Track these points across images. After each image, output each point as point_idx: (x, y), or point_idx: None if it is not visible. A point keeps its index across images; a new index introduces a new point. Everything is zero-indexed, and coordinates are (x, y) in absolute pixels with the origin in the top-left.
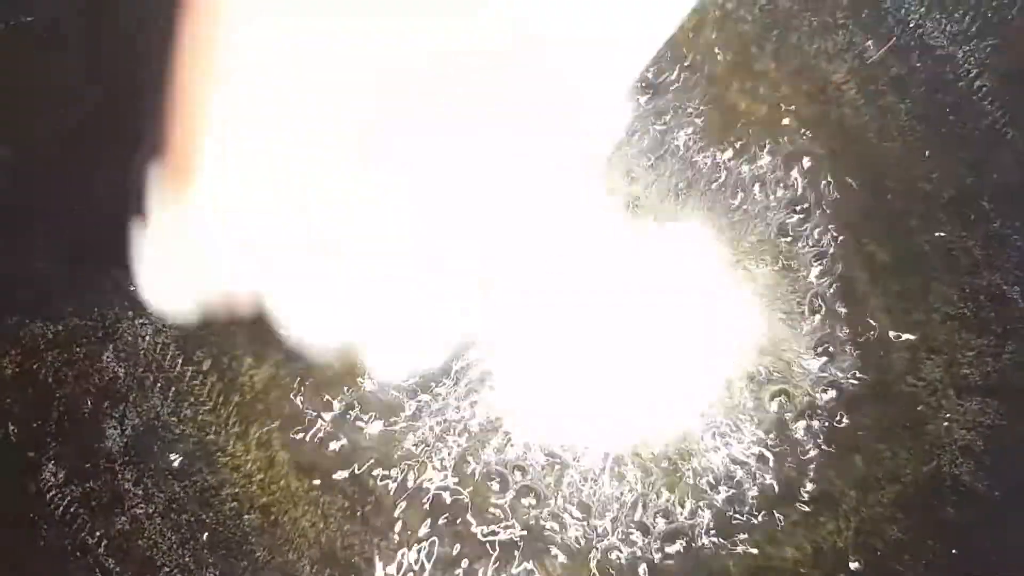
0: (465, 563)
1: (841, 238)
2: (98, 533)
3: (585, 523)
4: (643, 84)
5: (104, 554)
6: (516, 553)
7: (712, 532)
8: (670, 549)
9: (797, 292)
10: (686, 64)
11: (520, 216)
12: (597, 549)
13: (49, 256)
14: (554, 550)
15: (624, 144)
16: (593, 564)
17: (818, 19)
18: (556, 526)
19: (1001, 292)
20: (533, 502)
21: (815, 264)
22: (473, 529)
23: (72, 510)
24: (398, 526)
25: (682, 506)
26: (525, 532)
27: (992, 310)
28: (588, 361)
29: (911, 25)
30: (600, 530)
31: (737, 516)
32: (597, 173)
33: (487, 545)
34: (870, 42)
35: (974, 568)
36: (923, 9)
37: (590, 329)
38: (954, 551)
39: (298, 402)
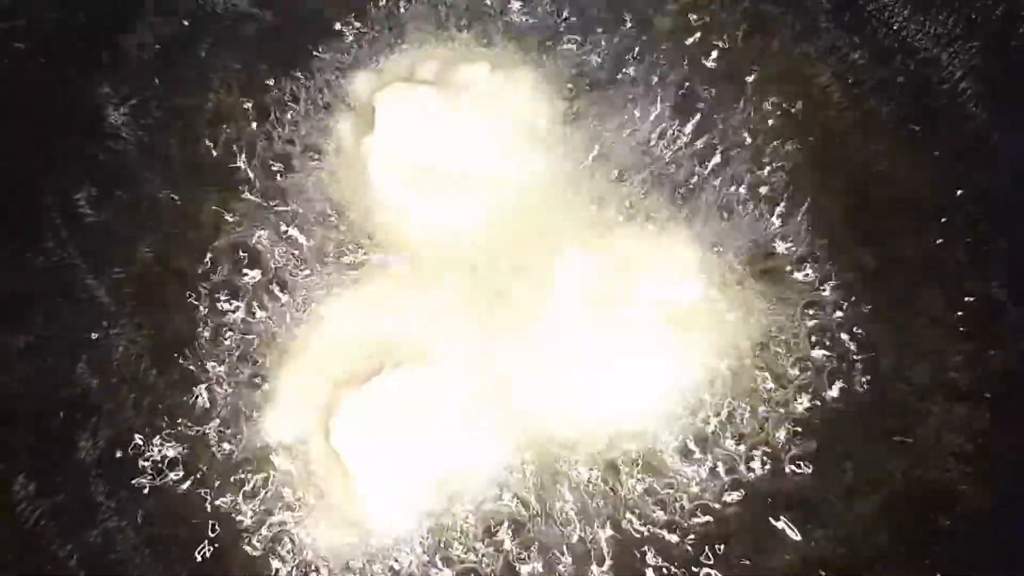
0: None
1: (826, 243)
2: (69, 546)
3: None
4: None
5: (75, 567)
6: None
7: (699, 542)
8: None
9: (782, 298)
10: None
11: None
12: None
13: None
14: None
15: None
16: None
17: (801, 23)
18: None
19: (988, 296)
20: None
21: (800, 269)
22: None
23: (42, 523)
24: None
25: (669, 516)
26: None
27: (979, 314)
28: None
29: (895, 28)
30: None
31: (724, 527)
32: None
33: None
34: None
35: (967, 570)
36: (907, 11)
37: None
38: (944, 558)
39: None
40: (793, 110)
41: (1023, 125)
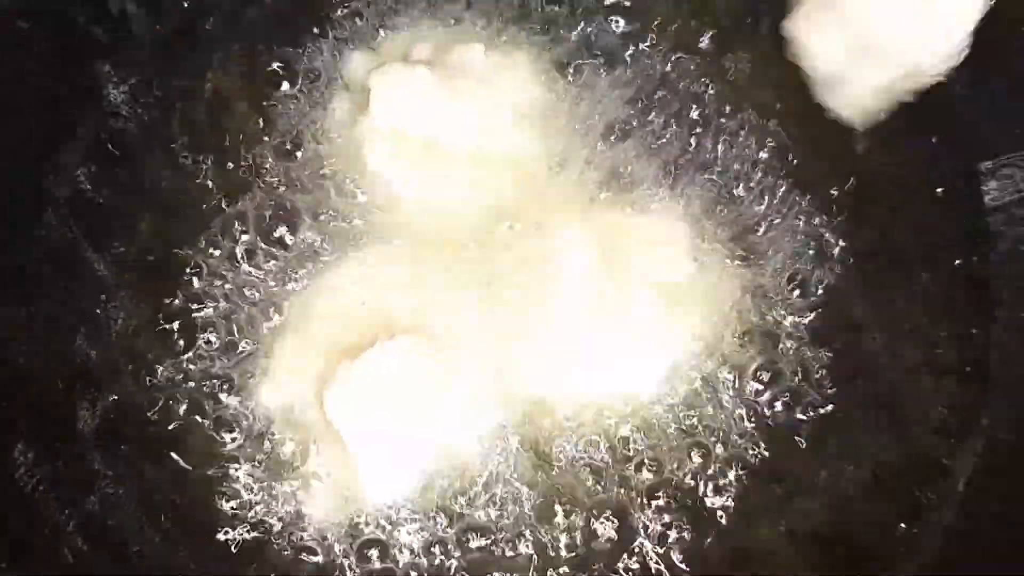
0: None
1: (816, 223)
2: (67, 512)
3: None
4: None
5: (73, 533)
6: None
7: (687, 517)
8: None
9: (773, 276)
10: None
11: None
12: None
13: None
14: None
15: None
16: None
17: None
18: None
19: (977, 277)
20: None
21: (790, 249)
22: None
23: (42, 490)
24: None
25: (660, 486)
26: None
27: (968, 294)
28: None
29: None
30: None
31: (712, 497)
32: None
33: None
34: None
35: (948, 546)
36: None
37: None
38: (929, 531)
39: None
40: (782, 96)
41: (1010, 113)
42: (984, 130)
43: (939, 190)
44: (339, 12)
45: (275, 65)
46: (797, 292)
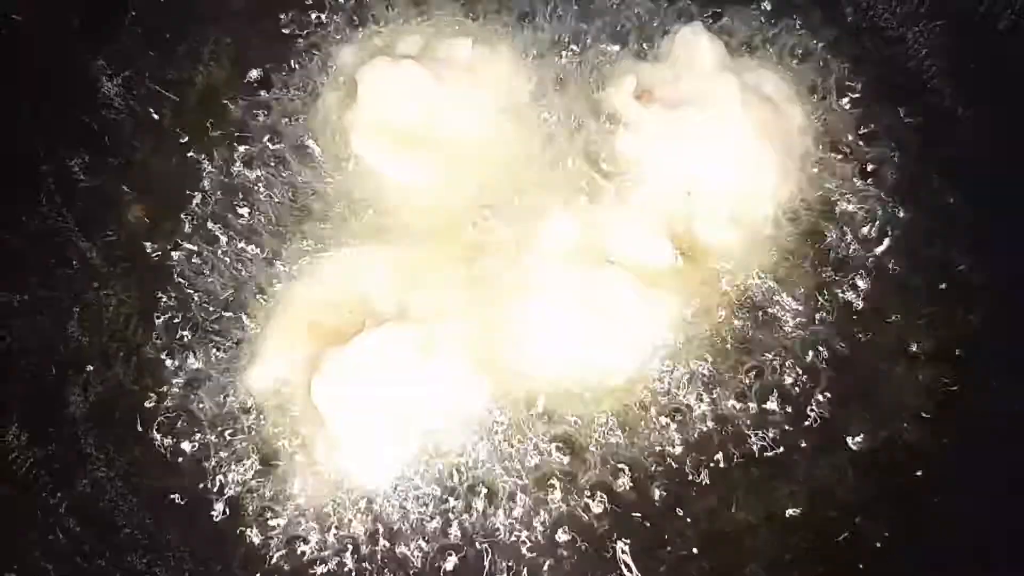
0: None
1: (791, 211)
2: (59, 494)
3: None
4: None
5: (65, 514)
6: None
7: (665, 499)
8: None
9: (751, 264)
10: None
11: None
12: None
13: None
14: None
15: None
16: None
17: (772, 1)
18: None
19: (951, 263)
20: None
21: (767, 237)
22: None
23: (34, 472)
24: None
25: (639, 470)
26: None
27: (943, 281)
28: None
29: (863, 6)
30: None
31: (690, 482)
32: None
33: None
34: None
35: (925, 530)
36: None
37: None
38: (904, 517)
39: None
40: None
41: (986, 99)
42: (962, 120)
43: (918, 180)
44: (328, 5)
45: (265, 58)
46: (775, 280)
